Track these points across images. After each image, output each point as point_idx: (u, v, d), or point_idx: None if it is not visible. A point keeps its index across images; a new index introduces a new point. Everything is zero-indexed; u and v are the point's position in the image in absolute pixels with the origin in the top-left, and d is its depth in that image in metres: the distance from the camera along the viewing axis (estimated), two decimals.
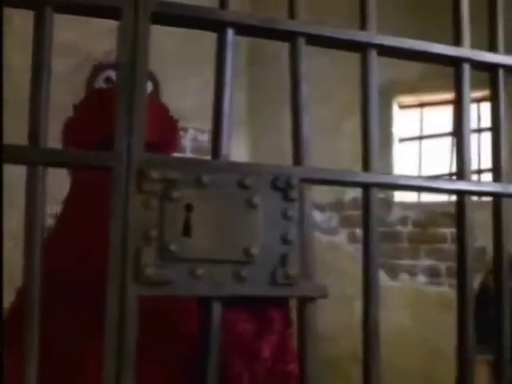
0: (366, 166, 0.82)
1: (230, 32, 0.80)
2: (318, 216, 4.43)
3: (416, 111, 4.50)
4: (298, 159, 0.79)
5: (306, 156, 0.80)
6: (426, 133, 4.43)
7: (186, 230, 0.75)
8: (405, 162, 4.46)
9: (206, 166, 0.76)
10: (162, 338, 1.24)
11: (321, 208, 4.41)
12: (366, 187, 0.82)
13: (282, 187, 0.77)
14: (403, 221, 4.19)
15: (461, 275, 0.88)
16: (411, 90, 4.30)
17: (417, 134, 4.50)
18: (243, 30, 0.81)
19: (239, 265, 0.76)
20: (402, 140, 4.48)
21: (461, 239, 0.88)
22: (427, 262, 3.99)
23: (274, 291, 0.77)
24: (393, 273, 4.14)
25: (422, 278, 4.01)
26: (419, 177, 0.98)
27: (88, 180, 1.32)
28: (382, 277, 4.12)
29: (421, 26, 3.50)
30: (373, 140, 0.82)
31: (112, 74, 1.52)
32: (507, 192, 0.90)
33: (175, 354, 1.25)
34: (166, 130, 1.43)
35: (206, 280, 0.75)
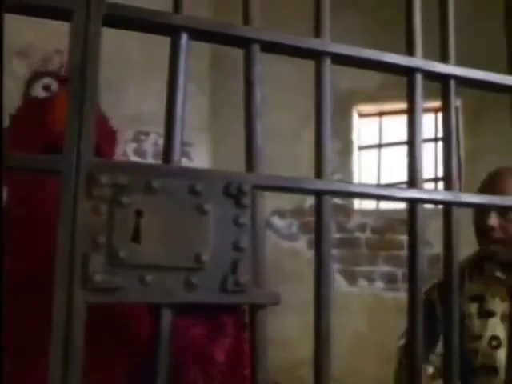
0: (319, 173, 0.83)
1: (184, 36, 0.80)
2: (278, 222, 4.45)
3: (375, 120, 4.56)
4: (250, 166, 0.79)
5: (259, 163, 0.79)
6: (385, 141, 4.49)
7: (136, 236, 0.74)
8: (364, 169, 4.51)
9: (157, 171, 0.75)
10: (114, 338, 1.22)
11: (281, 214, 4.43)
12: (319, 195, 0.82)
13: (234, 194, 0.77)
14: (362, 227, 4.23)
15: (412, 282, 0.89)
16: (371, 98, 4.36)
17: (376, 142, 4.55)
18: (197, 34, 0.80)
19: (190, 271, 0.75)
20: (361, 148, 4.53)
21: (412, 246, 0.88)
22: (385, 268, 4.04)
23: (224, 298, 0.77)
24: (351, 279, 4.18)
25: (379, 284, 4.06)
26: (372, 185, 0.99)
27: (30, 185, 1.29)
28: (341, 282, 4.16)
29: (380, 36, 3.56)
30: (326, 147, 0.83)
31: (50, 81, 1.44)
32: (458, 200, 0.91)
33: (126, 355, 1.24)
34: (103, 140, 1.36)
35: (156, 287, 0.74)
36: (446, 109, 0.97)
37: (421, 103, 0.94)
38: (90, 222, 0.72)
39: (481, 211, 1.82)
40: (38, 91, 1.42)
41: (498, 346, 1.83)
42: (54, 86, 1.39)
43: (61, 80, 1.40)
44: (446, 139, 0.94)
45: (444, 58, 0.95)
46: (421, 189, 0.88)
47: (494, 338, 1.85)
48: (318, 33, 0.86)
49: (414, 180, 0.88)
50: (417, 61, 0.91)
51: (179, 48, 0.80)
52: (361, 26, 4.37)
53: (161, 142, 4.86)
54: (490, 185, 1.83)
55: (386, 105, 4.29)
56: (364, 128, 4.56)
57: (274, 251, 3.97)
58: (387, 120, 4.44)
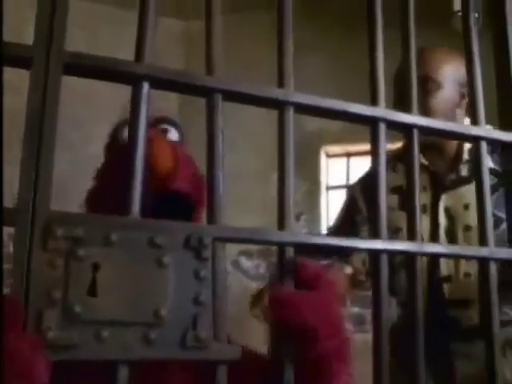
0: (282, 224, 0.81)
1: (146, 86, 0.78)
2: (246, 263, 4.42)
3: (343, 160, 4.60)
4: (211, 218, 0.77)
5: (221, 214, 0.78)
6: (352, 181, 4.53)
7: (92, 291, 0.71)
8: (332, 209, 4.52)
9: (115, 223, 0.73)
10: None
11: (249, 255, 4.40)
12: (281, 246, 0.81)
13: (195, 246, 0.75)
14: None
15: (376, 332, 0.88)
16: (338, 139, 4.40)
17: (344, 182, 4.59)
18: (159, 83, 0.79)
19: (148, 327, 0.73)
20: (329, 188, 4.55)
21: (377, 302, 0.87)
22: (353, 310, 4.02)
23: (183, 354, 0.74)
24: None
25: (348, 326, 4.04)
26: (336, 237, 0.97)
27: None
28: None
29: (348, 78, 3.61)
30: (288, 199, 0.82)
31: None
32: (421, 251, 0.90)
33: None
34: (198, 184, 1.17)
35: (113, 343, 0.71)
36: (410, 158, 0.97)
37: (384, 151, 0.94)
38: (45, 277, 0.70)
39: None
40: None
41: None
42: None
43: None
44: (410, 190, 0.94)
45: (407, 109, 0.95)
46: (384, 240, 0.87)
47: None
48: (281, 82, 0.86)
49: (377, 231, 0.87)
50: (380, 111, 0.92)
51: (140, 97, 0.78)
52: (329, 68, 4.44)
53: None
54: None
55: (353, 146, 4.34)
56: (332, 168, 4.59)
57: (242, 292, 3.93)
58: (355, 161, 4.49)
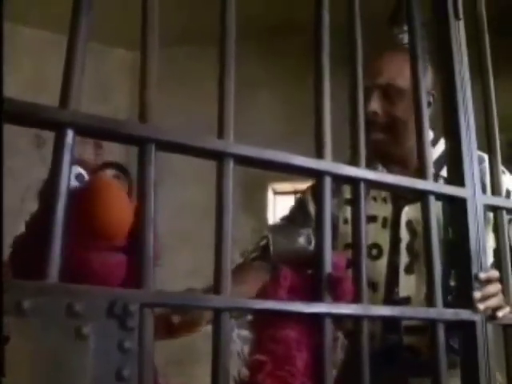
0: (218, 289, 0.74)
1: (70, 133, 0.71)
2: None
3: (290, 198, 4.57)
4: (139, 281, 0.70)
5: (149, 277, 0.70)
6: None
7: (1, 367, 0.63)
8: None
9: (29, 289, 0.65)
10: None
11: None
12: (218, 312, 0.74)
13: (119, 314, 0.67)
14: None
15: None
16: (285, 177, 4.36)
17: None
18: (84, 131, 0.72)
19: None
20: None
21: (321, 367, 0.81)
22: None
23: None
24: None
25: None
26: (275, 300, 0.90)
27: None
28: None
29: (295, 125, 3.61)
30: (226, 261, 0.75)
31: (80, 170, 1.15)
32: (368, 314, 0.85)
33: None
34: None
35: None
36: (357, 210, 0.92)
37: (329, 205, 0.88)
38: None
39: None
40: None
41: (378, 256, 1.52)
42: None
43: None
44: (356, 245, 0.89)
45: (353, 162, 0.91)
46: (329, 303, 0.81)
47: (375, 246, 1.52)
48: (221, 132, 0.80)
49: (319, 295, 0.81)
50: (326, 164, 0.87)
51: (64, 145, 0.71)
52: (280, 107, 4.43)
53: None
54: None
55: (301, 184, 4.31)
56: (279, 206, 4.55)
57: None
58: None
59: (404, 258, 1.49)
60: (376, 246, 1.52)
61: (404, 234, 1.51)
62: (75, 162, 0.75)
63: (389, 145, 1.49)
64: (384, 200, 1.57)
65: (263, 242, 1.71)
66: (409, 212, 1.52)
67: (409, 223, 1.51)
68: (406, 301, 1.47)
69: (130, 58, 4.73)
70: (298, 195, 1.86)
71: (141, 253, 0.70)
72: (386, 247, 1.53)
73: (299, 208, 1.71)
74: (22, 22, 4.20)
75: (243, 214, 4.26)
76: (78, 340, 0.66)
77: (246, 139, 0.84)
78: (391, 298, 1.48)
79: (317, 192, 0.90)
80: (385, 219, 1.55)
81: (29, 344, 0.64)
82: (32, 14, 4.23)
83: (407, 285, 1.50)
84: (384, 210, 1.55)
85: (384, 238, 1.53)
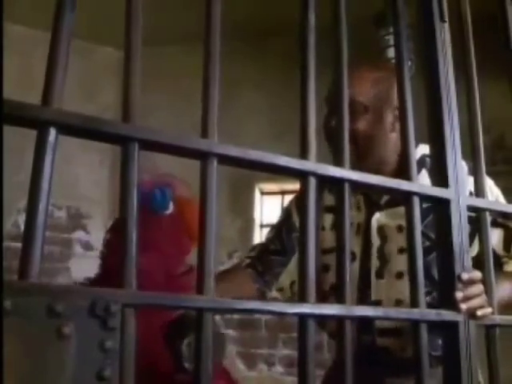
0: (201, 289, 0.74)
1: (52, 132, 0.71)
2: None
3: (277, 198, 4.57)
4: (121, 281, 0.69)
5: (131, 277, 0.70)
6: None
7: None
8: None
9: (10, 288, 0.64)
10: None
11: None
12: (201, 311, 0.74)
13: (100, 314, 0.67)
14: None
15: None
16: (273, 177, 4.37)
17: None
18: (67, 129, 0.72)
19: None
20: (263, 226, 4.50)
21: (302, 367, 0.81)
22: (284, 352, 3.95)
23: None
24: (251, 362, 4.05)
25: (279, 368, 3.95)
26: (259, 300, 0.90)
27: None
28: (240, 367, 4.02)
29: (286, 115, 3.60)
30: (209, 262, 0.74)
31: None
32: (351, 314, 0.85)
33: None
34: None
35: None
36: (340, 212, 0.92)
37: (313, 205, 0.88)
38: None
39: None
40: None
41: (352, 261, 1.57)
42: None
43: None
44: (340, 248, 0.89)
45: (338, 163, 0.91)
46: (312, 304, 0.81)
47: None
48: (205, 132, 0.80)
49: (304, 294, 0.81)
50: (310, 165, 0.87)
51: (46, 143, 0.70)
52: (266, 104, 4.43)
53: (56, 213, 4.65)
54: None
55: (287, 184, 4.31)
56: (266, 206, 4.55)
57: None
58: (289, 199, 4.46)
59: (375, 262, 1.55)
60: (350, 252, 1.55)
61: (375, 240, 1.56)
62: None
63: (356, 156, 1.48)
64: (358, 208, 1.64)
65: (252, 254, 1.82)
66: (380, 218, 1.58)
67: (380, 229, 1.57)
68: (377, 304, 1.54)
69: (118, 56, 4.70)
70: (285, 205, 1.92)
71: (125, 254, 0.70)
72: (358, 253, 1.60)
73: (285, 219, 1.81)
74: (10, 20, 4.18)
75: (230, 214, 4.26)
76: (59, 340, 0.65)
77: (232, 139, 0.85)
78: (366, 302, 1.54)
79: (301, 193, 0.90)
80: (358, 226, 1.62)
81: (8, 344, 0.63)
82: (20, 11, 4.21)
83: (378, 289, 1.57)
84: (358, 217, 1.62)
85: (357, 244, 1.60)
